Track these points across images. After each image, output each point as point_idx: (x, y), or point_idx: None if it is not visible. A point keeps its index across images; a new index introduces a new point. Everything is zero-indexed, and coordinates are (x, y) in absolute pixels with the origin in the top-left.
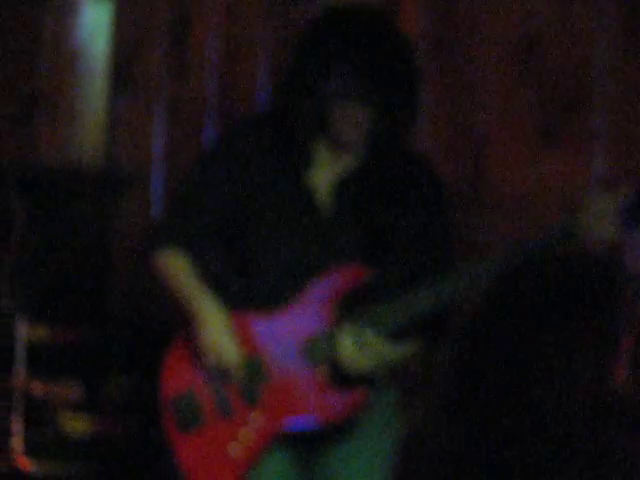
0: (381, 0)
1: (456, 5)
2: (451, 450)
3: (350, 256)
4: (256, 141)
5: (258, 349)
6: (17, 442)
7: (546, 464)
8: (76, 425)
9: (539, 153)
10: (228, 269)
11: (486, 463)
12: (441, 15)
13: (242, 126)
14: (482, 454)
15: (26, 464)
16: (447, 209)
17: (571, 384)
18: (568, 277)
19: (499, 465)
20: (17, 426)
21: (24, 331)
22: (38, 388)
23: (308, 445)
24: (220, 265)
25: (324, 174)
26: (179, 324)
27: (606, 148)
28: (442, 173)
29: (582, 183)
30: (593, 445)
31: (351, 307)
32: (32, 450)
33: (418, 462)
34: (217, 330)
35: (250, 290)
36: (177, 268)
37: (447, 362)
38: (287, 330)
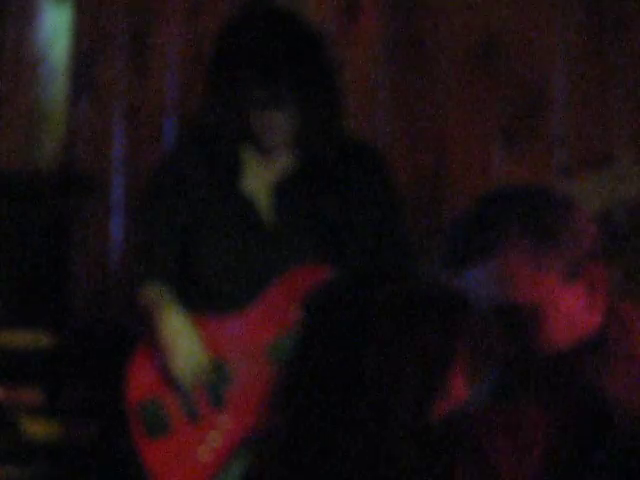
0: (341, 1)
1: (417, 7)
2: None
3: (301, 257)
4: (193, 158)
5: (221, 352)
6: None
7: None
8: (38, 429)
9: (500, 154)
10: (184, 277)
11: None
12: (402, 17)
13: (179, 146)
14: None
15: None
16: (391, 184)
17: (387, 420)
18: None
19: None
20: None
21: None
22: None
23: None
24: (178, 273)
25: (259, 180)
26: (140, 329)
27: (568, 148)
28: (401, 175)
29: (544, 184)
30: None
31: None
32: None
33: None
34: (180, 334)
35: (206, 298)
36: (155, 298)
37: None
38: (249, 332)
